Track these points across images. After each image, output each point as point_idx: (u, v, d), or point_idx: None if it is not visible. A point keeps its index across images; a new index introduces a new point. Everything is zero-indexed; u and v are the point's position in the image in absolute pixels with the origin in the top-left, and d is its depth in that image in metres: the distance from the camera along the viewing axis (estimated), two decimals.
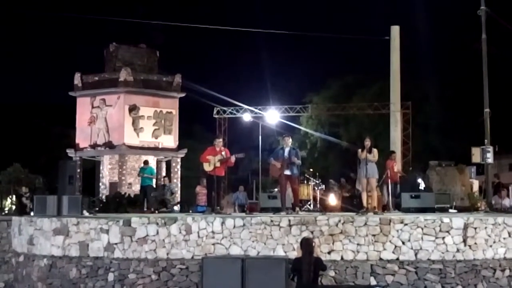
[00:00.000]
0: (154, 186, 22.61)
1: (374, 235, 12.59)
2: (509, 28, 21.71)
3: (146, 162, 22.74)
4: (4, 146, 43.44)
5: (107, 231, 13.41)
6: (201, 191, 21.83)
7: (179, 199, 26.39)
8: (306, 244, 11.19)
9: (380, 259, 12.52)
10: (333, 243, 12.60)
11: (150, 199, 21.72)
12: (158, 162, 32.82)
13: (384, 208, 17.91)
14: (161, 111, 31.70)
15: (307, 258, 11.02)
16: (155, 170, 24.79)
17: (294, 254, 12.22)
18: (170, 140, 31.90)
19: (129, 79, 31.07)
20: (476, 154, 20.10)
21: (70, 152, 31.42)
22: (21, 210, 19.71)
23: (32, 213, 17.77)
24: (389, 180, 18.40)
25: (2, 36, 62.27)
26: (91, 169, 34.88)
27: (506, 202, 19.83)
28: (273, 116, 33.10)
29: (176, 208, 23.17)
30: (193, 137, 41.03)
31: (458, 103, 36.94)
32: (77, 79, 31.96)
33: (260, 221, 12.85)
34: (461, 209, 18.77)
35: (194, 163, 25.81)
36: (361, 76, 41.03)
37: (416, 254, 12.52)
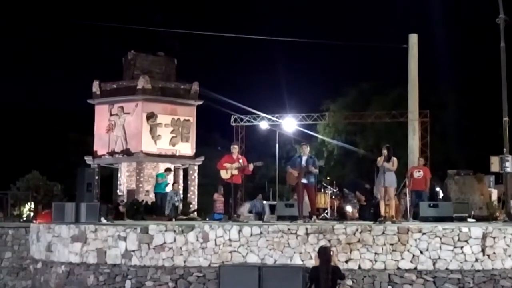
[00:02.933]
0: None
1: (392, 244, 12.54)
2: None
3: (169, 170, 22.92)
4: (22, 153, 43.77)
5: (124, 239, 13.47)
6: (219, 198, 21.86)
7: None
8: (324, 253, 11.13)
9: (398, 268, 12.46)
10: (350, 252, 12.58)
11: (165, 206, 21.87)
12: (176, 170, 32.86)
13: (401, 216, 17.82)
14: (178, 118, 31.76)
15: (325, 266, 10.95)
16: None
17: (311, 262, 12.19)
18: (187, 148, 31.94)
19: (147, 86, 31.17)
20: (494, 163, 19.94)
21: (88, 159, 31.55)
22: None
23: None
24: (409, 188, 18.14)
25: (20, 42, 62.81)
26: (109, 176, 35.00)
27: None
28: (290, 124, 33.04)
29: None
30: (211, 145, 41.10)
31: (477, 112, 36.73)
32: (95, 87, 32.12)
33: (277, 229, 12.85)
34: (479, 219, 18.63)
35: (211, 170, 25.84)
36: (379, 83, 40.86)
37: (434, 264, 12.46)
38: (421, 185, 18.51)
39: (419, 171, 18.63)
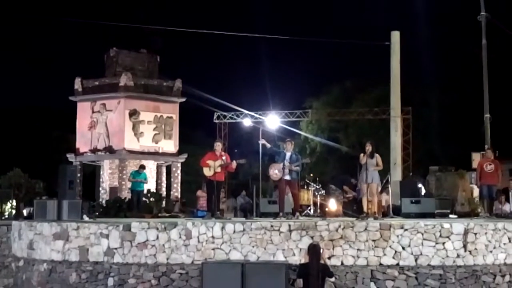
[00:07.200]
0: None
1: (374, 241, 12.57)
2: (509, 33, 21.75)
3: (143, 167, 22.56)
4: (4, 150, 43.46)
5: (107, 236, 13.40)
6: (202, 195, 21.80)
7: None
8: (314, 251, 11.15)
9: (380, 264, 12.50)
10: (333, 248, 12.59)
11: (142, 204, 21.76)
12: (158, 167, 32.79)
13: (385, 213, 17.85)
14: (161, 116, 31.68)
15: (315, 264, 10.95)
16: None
17: (294, 259, 12.22)
18: (170, 145, 31.87)
19: (130, 84, 31.06)
20: (476, 160, 20.08)
21: (70, 156, 31.40)
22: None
23: None
24: (480, 182, 17.40)
25: (2, 39, 62.37)
26: (91, 173, 34.86)
27: (507, 207, 19.78)
28: (273, 121, 33.09)
29: None
30: (194, 142, 41.01)
31: (459, 108, 36.99)
32: (77, 84, 31.97)
33: (260, 226, 12.84)
34: (461, 215, 18.76)
35: (195, 168, 25.80)
36: (361, 81, 41.07)
37: (416, 260, 12.51)
38: (493, 179, 17.36)
39: (490, 164, 17.42)
